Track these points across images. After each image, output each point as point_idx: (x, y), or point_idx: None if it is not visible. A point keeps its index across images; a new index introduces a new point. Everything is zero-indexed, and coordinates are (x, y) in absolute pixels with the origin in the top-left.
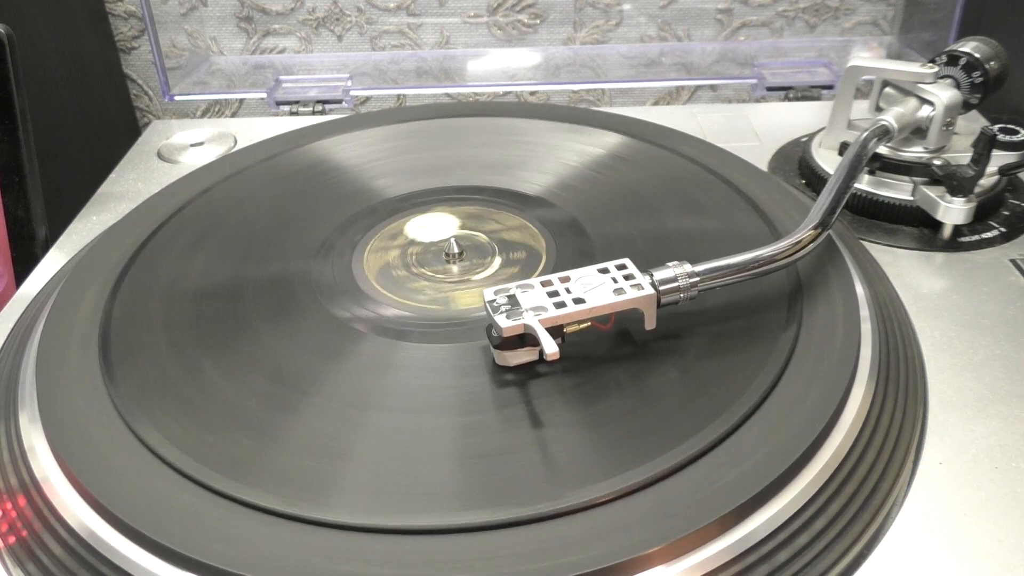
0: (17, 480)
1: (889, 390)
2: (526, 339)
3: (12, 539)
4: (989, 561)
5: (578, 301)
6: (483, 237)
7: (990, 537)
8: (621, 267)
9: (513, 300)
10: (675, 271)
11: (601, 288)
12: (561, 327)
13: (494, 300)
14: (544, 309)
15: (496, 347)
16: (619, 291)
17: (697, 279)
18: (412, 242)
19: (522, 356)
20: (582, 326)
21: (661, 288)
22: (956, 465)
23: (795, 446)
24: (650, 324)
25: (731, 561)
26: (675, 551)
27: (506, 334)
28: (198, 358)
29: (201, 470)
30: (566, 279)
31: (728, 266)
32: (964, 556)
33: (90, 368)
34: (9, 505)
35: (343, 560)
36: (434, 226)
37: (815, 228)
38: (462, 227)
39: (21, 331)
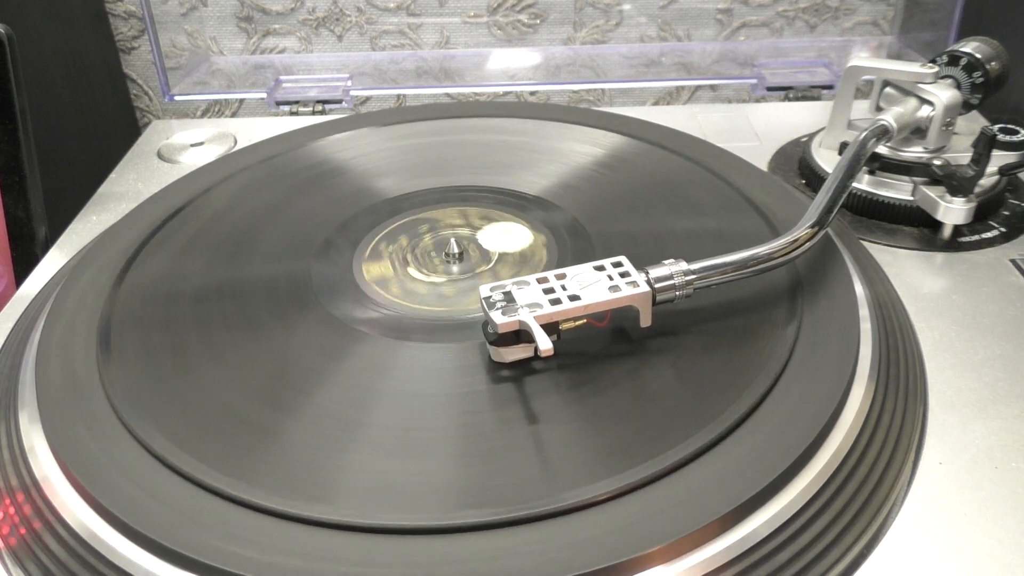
0: (17, 480)
1: (889, 390)
2: (522, 335)
3: (12, 539)
4: (989, 561)
5: (574, 298)
6: (490, 241)
7: (990, 537)
8: (617, 264)
9: (509, 297)
10: (671, 269)
11: (597, 285)
12: (557, 324)
13: (490, 296)
14: (540, 306)
15: (492, 343)
16: (614, 288)
17: (693, 277)
18: (412, 242)
19: (518, 352)
20: (578, 323)
21: (657, 286)
22: (956, 465)
23: (795, 446)
24: (645, 322)
25: (731, 561)
26: (675, 551)
27: (501, 330)
28: (198, 358)
29: (201, 470)
30: (562, 276)
31: (724, 264)
32: (964, 556)
33: (90, 368)
34: (9, 505)
35: (343, 559)
36: (510, 236)
37: (812, 227)
38: (465, 227)
39: (21, 331)
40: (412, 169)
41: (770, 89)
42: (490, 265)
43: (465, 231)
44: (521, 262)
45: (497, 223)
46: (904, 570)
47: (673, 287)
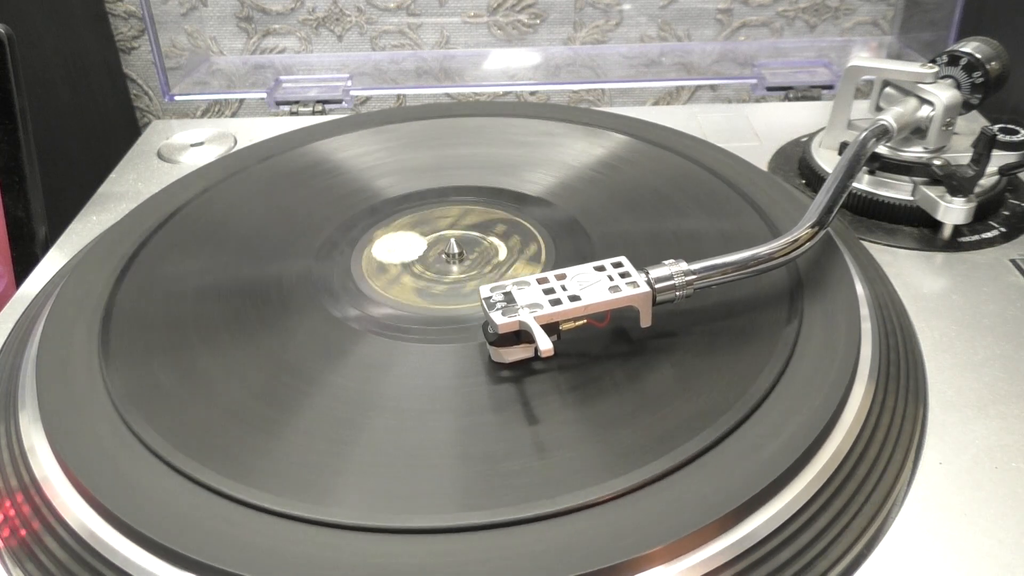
0: (17, 480)
1: (889, 390)
2: (522, 336)
3: (12, 539)
4: (989, 561)
5: (574, 298)
6: (483, 237)
7: (990, 537)
8: (617, 265)
9: (509, 297)
10: (671, 269)
11: (597, 286)
12: (557, 324)
13: (490, 297)
14: (540, 306)
15: (492, 343)
16: (615, 288)
17: (693, 277)
18: (412, 242)
19: (518, 353)
20: (578, 323)
21: (657, 286)
22: (956, 465)
23: (795, 446)
24: (645, 322)
25: (731, 561)
26: (675, 551)
27: (501, 331)
28: (198, 358)
29: (201, 470)
30: (562, 276)
31: (724, 264)
32: (964, 556)
33: (90, 368)
34: (9, 505)
35: (342, 560)
36: (402, 246)
37: (812, 227)
38: (465, 227)
39: (21, 331)
40: (412, 169)
41: (770, 89)
42: (490, 265)
43: (465, 232)
44: (521, 262)
45: (391, 234)
46: (904, 570)
47: (673, 287)
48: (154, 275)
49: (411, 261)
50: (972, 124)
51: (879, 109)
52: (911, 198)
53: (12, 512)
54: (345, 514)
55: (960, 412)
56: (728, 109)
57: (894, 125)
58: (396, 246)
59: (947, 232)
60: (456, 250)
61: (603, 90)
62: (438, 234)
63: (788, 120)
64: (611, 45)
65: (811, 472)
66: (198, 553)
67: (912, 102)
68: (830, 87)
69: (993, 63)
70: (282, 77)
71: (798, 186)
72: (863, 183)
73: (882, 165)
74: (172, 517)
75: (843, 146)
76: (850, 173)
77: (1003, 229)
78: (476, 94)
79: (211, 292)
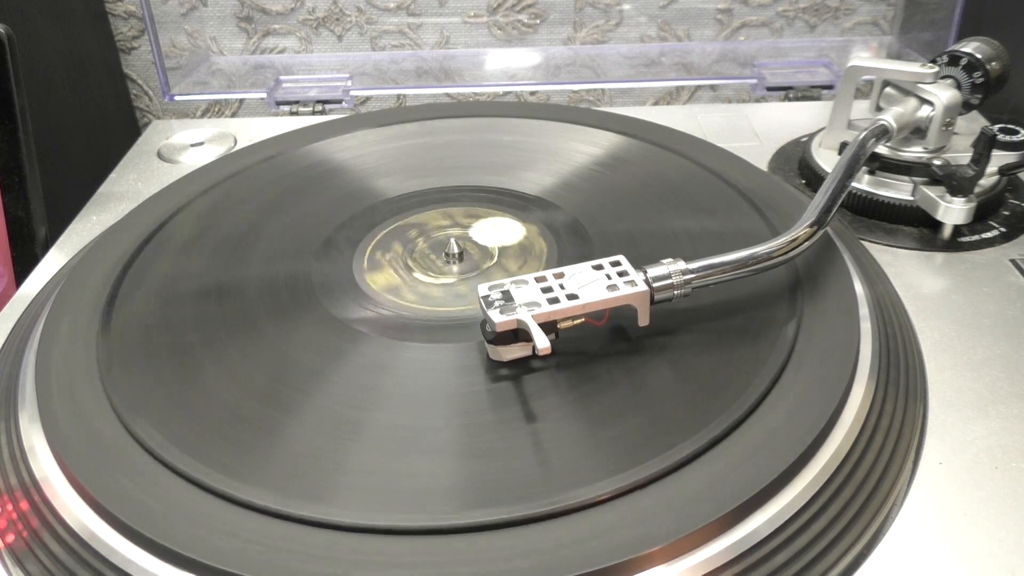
0: (17, 480)
1: (889, 390)
2: (519, 334)
3: (12, 539)
4: (989, 561)
5: (571, 297)
6: (483, 237)
7: (990, 537)
8: (615, 263)
9: (507, 295)
10: (669, 268)
11: (595, 284)
12: (555, 323)
13: (488, 295)
14: (537, 304)
15: (490, 342)
16: (612, 287)
17: (691, 276)
18: (412, 242)
19: (515, 351)
20: (576, 322)
21: (655, 285)
22: (956, 465)
23: (795, 446)
24: (643, 321)
25: (731, 561)
26: (675, 551)
27: (499, 329)
28: (198, 358)
29: (201, 470)
30: (560, 275)
31: (722, 264)
32: (964, 556)
33: (90, 368)
34: (9, 505)
35: (343, 560)
36: (500, 230)
37: (811, 226)
38: (469, 227)
39: (21, 331)
40: (412, 169)
41: (770, 89)
42: (489, 264)
43: (465, 231)
44: (521, 261)
45: (485, 219)
46: (904, 570)
47: (671, 286)
48: (154, 275)
49: (508, 245)
50: (972, 124)
51: (879, 109)
52: (911, 198)
53: (12, 512)
54: (345, 514)
55: (960, 412)
56: (728, 109)
57: (894, 125)
58: (496, 229)
59: (947, 232)
60: (456, 250)
61: (603, 90)
62: (438, 234)
63: (788, 120)
64: (611, 45)
65: (811, 472)
66: (198, 553)
67: (912, 102)
68: (830, 87)
69: (993, 63)
70: (282, 77)
71: (798, 186)
72: (863, 183)
73: (882, 165)
74: (172, 517)
75: (843, 146)
76: (849, 173)
77: (1003, 229)
78: (476, 94)
79: (211, 292)
